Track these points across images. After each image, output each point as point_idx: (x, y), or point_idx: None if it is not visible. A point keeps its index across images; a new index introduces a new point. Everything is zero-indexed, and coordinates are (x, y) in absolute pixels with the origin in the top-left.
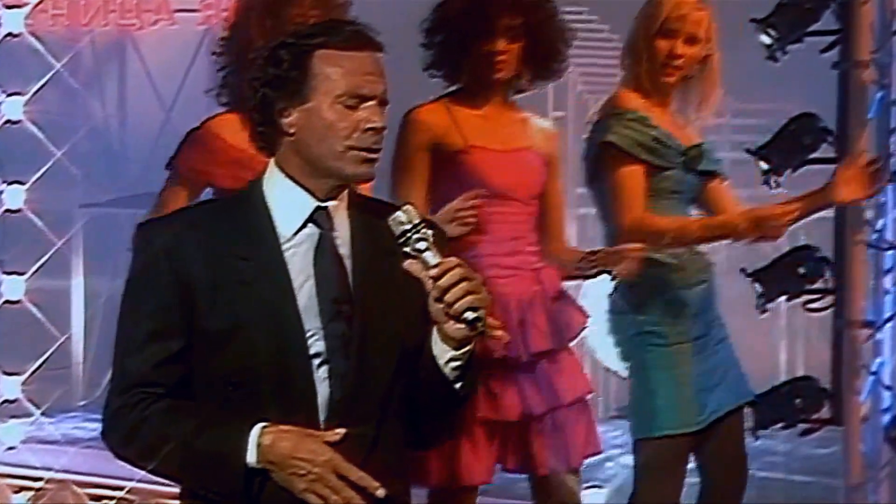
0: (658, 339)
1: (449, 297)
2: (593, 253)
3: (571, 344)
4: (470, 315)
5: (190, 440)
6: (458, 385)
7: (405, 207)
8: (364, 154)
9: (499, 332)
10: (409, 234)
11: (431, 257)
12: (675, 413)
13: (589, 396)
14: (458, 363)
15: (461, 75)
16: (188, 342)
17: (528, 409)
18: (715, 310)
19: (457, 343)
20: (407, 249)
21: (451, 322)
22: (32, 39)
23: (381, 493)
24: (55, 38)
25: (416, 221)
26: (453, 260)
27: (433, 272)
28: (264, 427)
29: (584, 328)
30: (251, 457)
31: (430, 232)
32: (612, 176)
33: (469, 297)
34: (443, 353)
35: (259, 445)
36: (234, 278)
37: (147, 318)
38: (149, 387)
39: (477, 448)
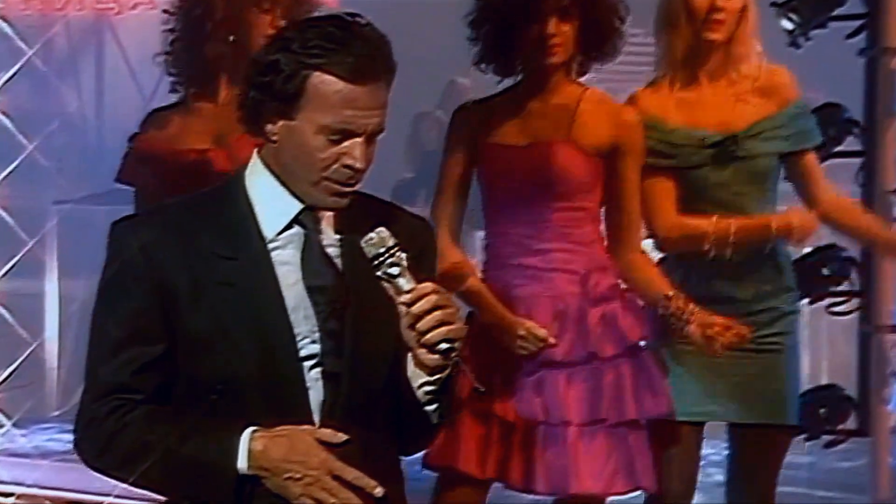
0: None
1: (421, 325)
2: (670, 298)
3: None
4: (443, 346)
5: (174, 447)
6: (430, 409)
7: (378, 230)
8: (337, 187)
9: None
10: (381, 259)
11: (405, 283)
12: (683, 402)
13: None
14: (430, 388)
15: (514, 65)
16: (168, 347)
17: (532, 414)
18: (763, 326)
19: (429, 370)
20: (379, 274)
21: (423, 350)
22: (3, 24)
23: (378, 491)
24: (27, 22)
25: (389, 245)
26: (428, 286)
27: (405, 298)
28: (254, 431)
29: (638, 343)
30: (242, 463)
31: (403, 255)
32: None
33: (442, 329)
34: (416, 377)
35: (250, 451)
36: (217, 279)
37: (123, 322)
38: (126, 393)
39: (478, 438)
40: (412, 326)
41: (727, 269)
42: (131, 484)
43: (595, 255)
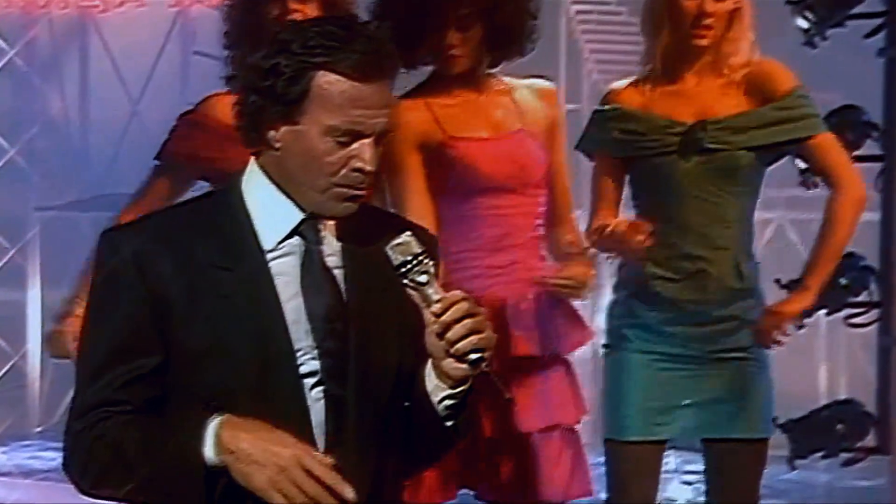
0: (629, 342)
1: (451, 334)
2: (596, 231)
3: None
4: (473, 356)
5: (147, 445)
6: (449, 423)
7: (404, 237)
8: (348, 192)
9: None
10: (408, 267)
11: (432, 292)
12: (644, 420)
13: (576, 426)
14: (452, 402)
15: (417, 62)
16: (161, 360)
17: (499, 429)
18: (724, 336)
19: (453, 381)
20: (406, 282)
21: (451, 360)
22: None
23: (349, 495)
24: (9, 21)
25: (416, 252)
26: (457, 294)
27: (435, 308)
28: (224, 418)
29: (585, 344)
30: (209, 451)
31: (430, 263)
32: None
33: (473, 338)
34: (437, 389)
35: (218, 437)
36: (213, 290)
37: (114, 335)
38: (113, 406)
39: (439, 466)
40: (440, 336)
41: (674, 273)
42: (113, 499)
43: (542, 250)
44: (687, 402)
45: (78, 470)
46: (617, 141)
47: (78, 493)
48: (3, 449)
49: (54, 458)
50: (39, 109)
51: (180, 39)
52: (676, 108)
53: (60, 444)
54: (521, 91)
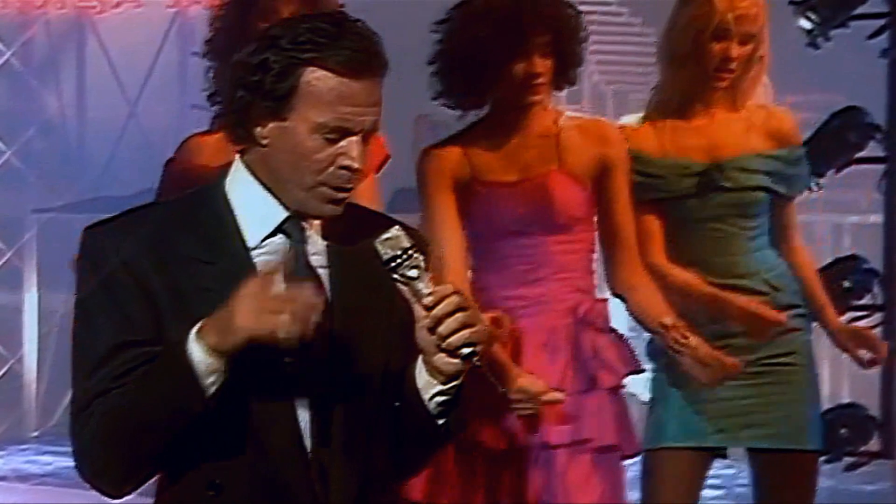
0: (668, 353)
1: (443, 328)
2: (668, 328)
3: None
4: (465, 350)
5: (140, 385)
6: (441, 421)
7: (392, 231)
8: (333, 193)
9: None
10: (398, 261)
11: (424, 287)
12: (683, 425)
13: (613, 452)
14: (444, 398)
15: (485, 101)
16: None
17: (516, 440)
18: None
19: (445, 377)
20: (396, 276)
21: (442, 355)
22: None
23: (307, 291)
24: (5, 22)
25: (406, 246)
26: (448, 287)
27: (427, 301)
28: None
29: (628, 376)
30: (193, 347)
31: (421, 257)
32: None
33: (465, 332)
34: (428, 386)
35: (198, 330)
36: (197, 284)
37: (110, 333)
38: (113, 391)
39: (461, 471)
40: (432, 330)
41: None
42: (131, 483)
43: (586, 285)
44: (732, 408)
45: (88, 463)
46: (638, 184)
47: (76, 498)
48: (0, 453)
49: (51, 462)
50: (36, 110)
51: (178, 40)
52: (691, 148)
53: (57, 449)
54: (570, 131)
